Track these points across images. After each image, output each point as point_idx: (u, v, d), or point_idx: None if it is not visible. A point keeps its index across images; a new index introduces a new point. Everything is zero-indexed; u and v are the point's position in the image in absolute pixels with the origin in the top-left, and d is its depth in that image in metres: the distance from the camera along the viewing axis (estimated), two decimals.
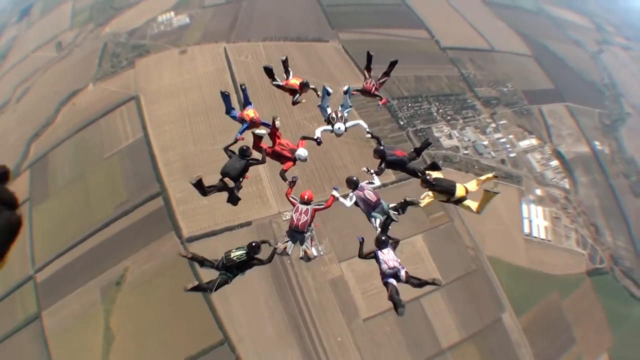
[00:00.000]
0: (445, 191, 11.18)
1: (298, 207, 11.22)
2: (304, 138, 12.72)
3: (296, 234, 10.99)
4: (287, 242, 10.88)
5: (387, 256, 10.26)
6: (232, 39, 77.83)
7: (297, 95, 13.29)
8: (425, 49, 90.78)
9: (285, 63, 13.67)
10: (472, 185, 11.49)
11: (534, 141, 79.04)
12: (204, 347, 46.56)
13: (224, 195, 11.62)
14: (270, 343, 47.81)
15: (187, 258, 11.21)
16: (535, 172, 74.17)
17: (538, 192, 70.81)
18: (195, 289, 10.06)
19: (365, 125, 13.40)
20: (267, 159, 12.25)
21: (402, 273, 10.10)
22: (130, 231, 53.83)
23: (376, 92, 13.80)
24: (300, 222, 10.87)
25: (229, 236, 53.36)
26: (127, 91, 67.36)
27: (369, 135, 13.45)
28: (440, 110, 76.06)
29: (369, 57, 14.34)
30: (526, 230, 64.46)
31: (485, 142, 73.69)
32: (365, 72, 14.17)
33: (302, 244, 10.92)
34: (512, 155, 74.34)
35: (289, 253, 10.92)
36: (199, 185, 10.77)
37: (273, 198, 57.43)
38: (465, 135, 73.67)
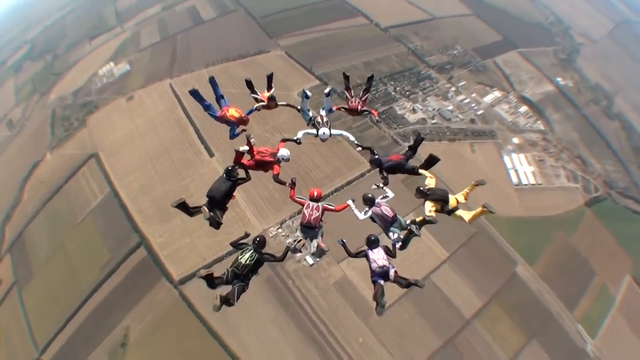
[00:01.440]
0: (439, 200, 12.17)
1: (308, 204, 12.10)
2: (283, 140, 13.37)
3: (308, 229, 11.83)
4: (299, 240, 11.63)
5: (377, 255, 11.25)
6: (175, 74, 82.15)
7: (262, 104, 14.14)
8: (367, 34, 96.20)
9: (269, 78, 14.87)
10: (461, 197, 12.44)
11: (497, 94, 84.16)
12: None
13: (205, 228, 12.85)
14: None
15: (203, 278, 11.31)
16: (507, 123, 78.75)
17: (515, 140, 75.14)
18: (222, 303, 10.55)
19: (352, 138, 14.45)
20: (254, 172, 13.07)
21: (392, 273, 11.12)
22: (121, 289, 55.08)
23: (363, 108, 14.63)
24: (312, 218, 11.74)
25: (220, 267, 54.61)
26: (85, 150, 70.06)
27: (360, 148, 14.40)
28: (398, 88, 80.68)
29: (346, 77, 15.64)
30: (514, 180, 68.03)
31: (450, 107, 78.24)
32: (346, 92, 15.06)
33: (312, 239, 11.76)
34: (479, 112, 78.86)
35: (301, 250, 11.76)
36: (182, 206, 11.94)
37: (254, 218, 59.43)
38: (428, 106, 77.93)
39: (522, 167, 70.26)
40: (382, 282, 11.11)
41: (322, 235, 11.98)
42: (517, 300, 56.66)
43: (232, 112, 13.28)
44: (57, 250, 60.15)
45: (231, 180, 12.21)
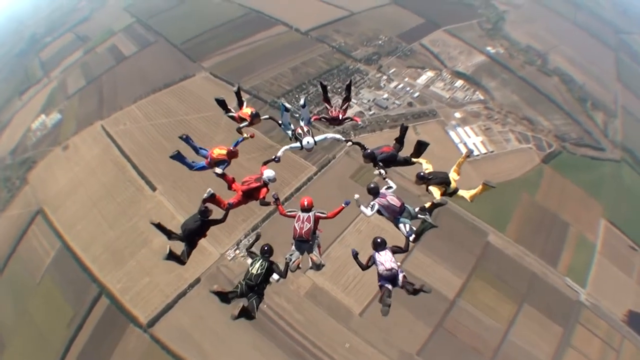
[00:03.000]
0: (442, 182, 13.47)
1: (298, 215, 12.87)
2: (264, 163, 14.53)
3: (302, 243, 12.61)
4: (292, 254, 12.57)
5: (385, 257, 11.94)
6: (105, 114, 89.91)
7: (245, 123, 15.40)
8: (289, 41, 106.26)
9: (237, 94, 16.27)
10: (455, 175, 13.93)
11: (430, 73, 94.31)
12: None
13: (161, 264, 16.09)
14: None
15: (215, 293, 12.00)
16: (445, 100, 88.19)
17: (457, 115, 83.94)
18: (241, 314, 11.61)
19: (338, 136, 15.92)
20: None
21: (400, 277, 11.86)
22: (92, 344, 58.26)
23: (345, 117, 16.52)
24: (303, 231, 12.52)
25: (185, 301, 58.84)
26: (30, 208, 75.10)
27: (350, 144, 16.46)
28: (329, 87, 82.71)
29: (323, 87, 17.48)
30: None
31: (385, 95, 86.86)
32: (325, 103, 16.98)
33: (309, 252, 12.51)
34: (415, 95, 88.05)
35: (301, 267, 12.56)
36: (160, 227, 13.17)
37: (208, 244, 63.12)
38: (363, 98, 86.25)
39: (470, 139, 78.63)
40: (390, 286, 11.85)
41: (319, 247, 12.89)
42: (497, 268, 62.37)
43: (218, 152, 14.46)
44: (22, 315, 63.76)
45: (202, 221, 13.18)
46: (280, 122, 15.74)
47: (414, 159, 14.77)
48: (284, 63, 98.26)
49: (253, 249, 13.25)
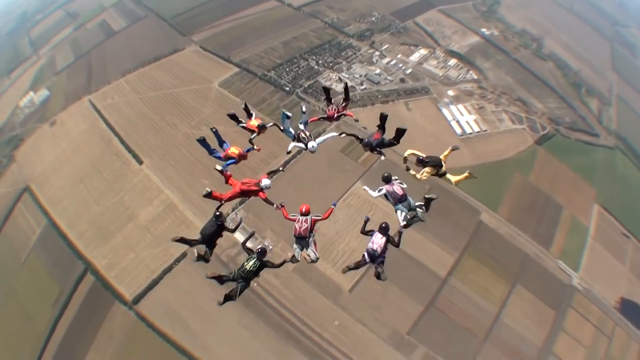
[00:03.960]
0: (435, 165, 16.22)
1: (298, 218, 15.73)
2: (269, 173, 17.59)
3: (301, 240, 15.53)
4: (296, 250, 15.36)
5: (377, 239, 14.82)
6: (93, 89, 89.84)
7: (255, 134, 18.34)
8: (281, 16, 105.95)
9: (246, 108, 19.07)
10: (443, 162, 16.63)
11: (423, 51, 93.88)
12: None
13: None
14: None
15: (212, 278, 14.72)
16: (438, 77, 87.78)
17: (451, 92, 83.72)
18: (226, 300, 14.53)
19: (335, 133, 19.11)
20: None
21: (378, 262, 15.01)
22: (78, 322, 57.81)
23: (341, 113, 18.91)
24: (302, 229, 15.42)
25: (171, 277, 58.12)
26: (17, 186, 74.95)
27: (343, 135, 19.17)
28: (320, 61, 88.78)
29: (326, 90, 20.03)
30: (458, 131, 75.92)
31: (377, 71, 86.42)
32: (327, 102, 19.51)
33: (307, 248, 15.47)
34: (408, 71, 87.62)
35: (299, 259, 15.40)
36: (182, 240, 15.63)
37: (196, 217, 62.81)
38: (355, 73, 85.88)
39: (463, 117, 78.43)
40: (367, 260, 15.10)
41: (315, 244, 15.69)
42: (490, 248, 62.10)
43: (233, 150, 17.57)
44: (8, 295, 63.33)
45: (218, 224, 15.78)
46: (282, 128, 18.18)
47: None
48: (275, 37, 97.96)
49: (248, 244, 15.98)
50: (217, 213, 15.82)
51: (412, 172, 16.73)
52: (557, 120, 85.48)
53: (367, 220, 16.04)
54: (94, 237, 63.97)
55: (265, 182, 16.86)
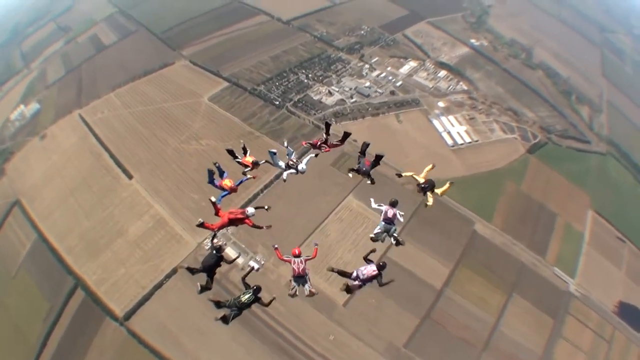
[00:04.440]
0: (432, 188, 18.35)
1: (294, 261, 17.93)
2: (255, 208, 19.59)
3: (299, 279, 17.89)
4: (294, 287, 17.68)
5: (367, 269, 17.36)
6: (84, 103, 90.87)
7: (248, 169, 21.01)
8: (270, 30, 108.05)
9: (244, 148, 21.53)
10: (422, 179, 18.82)
11: (413, 63, 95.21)
12: None
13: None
14: None
15: (212, 301, 16.99)
16: (428, 89, 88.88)
17: (441, 104, 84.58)
18: (222, 319, 16.75)
19: (314, 155, 21.48)
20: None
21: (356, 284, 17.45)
22: (69, 338, 57.41)
23: (322, 145, 21.47)
24: (300, 270, 17.81)
25: (162, 292, 57.91)
26: (7, 200, 75.03)
27: (351, 175, 20.93)
28: (310, 75, 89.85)
29: (327, 126, 21.63)
30: (449, 142, 76.45)
31: (367, 84, 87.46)
32: (326, 135, 21.44)
33: (304, 285, 17.86)
34: (398, 84, 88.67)
35: (298, 295, 17.79)
36: (189, 269, 17.95)
37: (185, 233, 63.04)
38: (344, 86, 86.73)
39: (454, 128, 79.19)
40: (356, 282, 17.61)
41: (309, 280, 18.22)
42: (485, 258, 62.27)
43: (226, 182, 19.97)
44: None
45: (217, 256, 17.92)
46: (272, 163, 21.00)
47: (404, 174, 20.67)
48: (264, 51, 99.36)
49: (247, 280, 17.89)
50: (217, 247, 17.99)
51: (428, 201, 18.81)
52: (549, 128, 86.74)
53: (372, 251, 18.26)
54: (84, 252, 64.05)
55: (250, 210, 18.81)
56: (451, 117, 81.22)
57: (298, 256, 18.46)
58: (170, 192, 68.61)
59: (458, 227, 66.19)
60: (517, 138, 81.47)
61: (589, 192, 75.84)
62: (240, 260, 58.31)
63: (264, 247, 60.85)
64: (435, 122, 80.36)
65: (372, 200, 19.73)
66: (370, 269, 17.28)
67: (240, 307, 17.11)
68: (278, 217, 61.69)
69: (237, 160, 21.58)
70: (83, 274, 61.47)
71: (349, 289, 17.43)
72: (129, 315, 56.01)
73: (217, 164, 20.70)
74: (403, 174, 20.53)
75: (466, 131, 78.87)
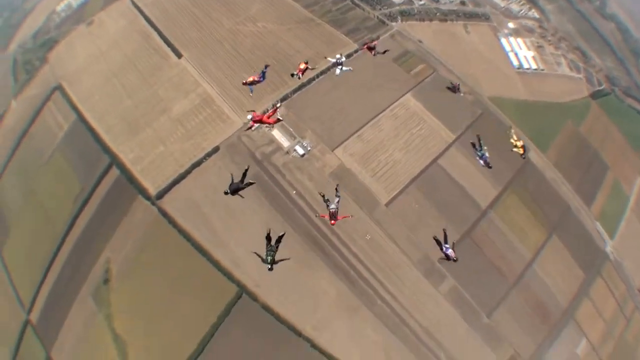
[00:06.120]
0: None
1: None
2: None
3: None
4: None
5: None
6: None
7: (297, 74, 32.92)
8: None
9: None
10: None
11: None
12: (221, 308, 48.94)
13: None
14: (292, 274, 48.98)
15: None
16: (500, 8, 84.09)
17: (511, 25, 79.74)
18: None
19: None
20: None
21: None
22: (97, 219, 56.79)
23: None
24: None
25: (199, 172, 55.92)
26: (48, 86, 73.07)
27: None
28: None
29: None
30: (515, 63, 72.71)
31: None
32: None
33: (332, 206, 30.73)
34: None
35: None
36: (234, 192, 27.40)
37: (232, 112, 60.73)
38: None
39: (521, 51, 75.16)
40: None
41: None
42: (534, 189, 59.49)
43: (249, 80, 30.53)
44: (27, 197, 63.28)
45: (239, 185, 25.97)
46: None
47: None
48: None
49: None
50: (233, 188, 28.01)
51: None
52: (614, 80, 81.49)
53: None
54: (124, 130, 62.26)
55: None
56: (519, 40, 76.03)
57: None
58: (220, 71, 65.34)
59: (513, 151, 62.59)
60: (582, 79, 76.54)
61: None
62: (285, 145, 56.16)
63: (312, 133, 57.71)
64: (503, 41, 75.76)
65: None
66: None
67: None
68: (330, 104, 60.62)
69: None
70: (120, 152, 59.84)
71: None
72: (162, 193, 54.39)
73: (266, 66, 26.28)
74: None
75: (533, 57, 73.97)
